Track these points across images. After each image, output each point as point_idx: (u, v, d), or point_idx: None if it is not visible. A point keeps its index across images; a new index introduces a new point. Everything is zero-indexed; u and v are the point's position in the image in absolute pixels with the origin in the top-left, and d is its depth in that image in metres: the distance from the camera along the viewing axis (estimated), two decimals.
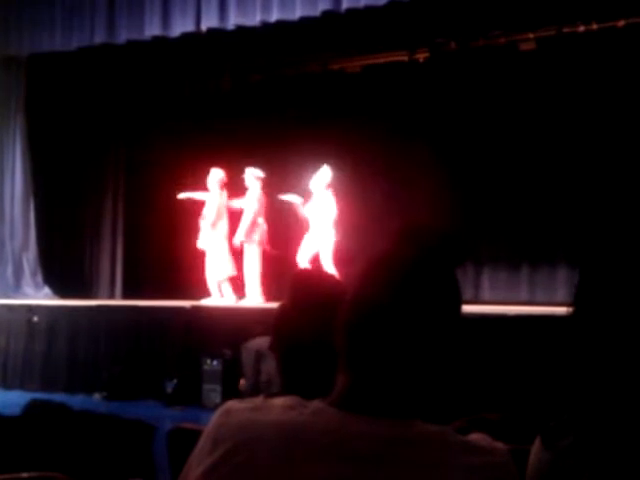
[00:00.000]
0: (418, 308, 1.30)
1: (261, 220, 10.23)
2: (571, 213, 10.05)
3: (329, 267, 9.58)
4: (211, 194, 10.33)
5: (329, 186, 9.95)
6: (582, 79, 10.00)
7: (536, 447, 1.42)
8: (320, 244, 9.90)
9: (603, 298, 1.37)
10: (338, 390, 1.33)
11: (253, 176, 10.21)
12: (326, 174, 9.93)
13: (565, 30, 9.98)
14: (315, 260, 9.90)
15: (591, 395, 1.34)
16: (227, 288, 10.27)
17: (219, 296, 10.25)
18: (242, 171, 10.31)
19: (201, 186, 10.48)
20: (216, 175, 10.32)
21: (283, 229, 10.58)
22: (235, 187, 10.39)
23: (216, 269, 10.25)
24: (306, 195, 10.13)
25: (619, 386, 1.32)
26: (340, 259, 9.80)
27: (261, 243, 10.22)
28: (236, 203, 10.34)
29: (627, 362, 1.32)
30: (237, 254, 10.30)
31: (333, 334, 1.36)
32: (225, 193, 10.36)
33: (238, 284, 10.30)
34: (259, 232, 10.18)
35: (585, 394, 1.35)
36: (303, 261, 9.87)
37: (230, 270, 10.25)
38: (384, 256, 1.36)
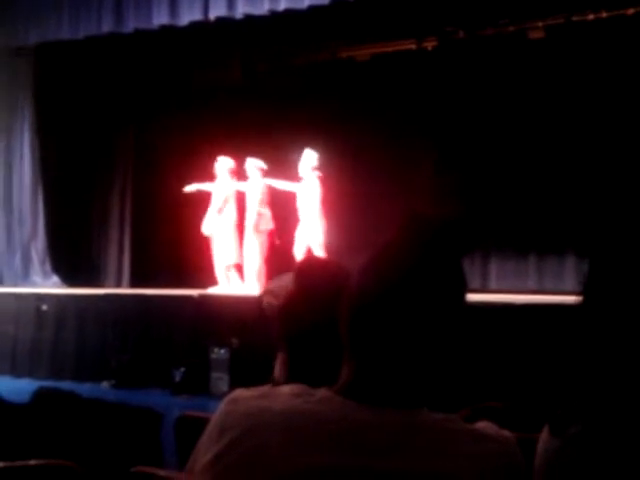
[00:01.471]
0: (423, 297, 1.30)
1: (265, 210, 10.22)
2: (580, 201, 10.01)
3: (320, 253, 9.60)
4: (219, 182, 10.36)
5: (315, 169, 9.94)
6: (591, 67, 9.95)
7: (544, 435, 1.42)
8: (311, 229, 9.88)
9: (613, 286, 1.37)
10: (343, 379, 1.33)
11: (255, 167, 10.23)
12: (311, 157, 9.93)
13: (574, 18, 9.94)
14: (310, 249, 9.90)
15: (601, 383, 1.34)
16: (234, 275, 10.29)
17: (226, 283, 10.28)
18: (252, 155, 10.34)
19: (210, 174, 10.50)
20: (225, 163, 10.34)
21: (284, 218, 10.53)
22: (244, 175, 10.42)
23: (222, 255, 10.28)
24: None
25: (629, 374, 1.32)
26: (341, 247, 9.83)
27: (268, 233, 10.23)
28: (242, 186, 10.37)
29: (637, 350, 1.32)
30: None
31: (338, 322, 1.36)
32: (234, 181, 10.38)
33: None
34: (264, 222, 10.18)
35: (595, 382, 1.35)
36: (299, 251, 9.85)
37: (236, 257, 10.27)
38: (389, 245, 1.36)
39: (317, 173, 9.93)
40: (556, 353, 5.48)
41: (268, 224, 10.23)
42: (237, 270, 10.33)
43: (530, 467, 1.39)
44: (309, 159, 9.92)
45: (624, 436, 1.28)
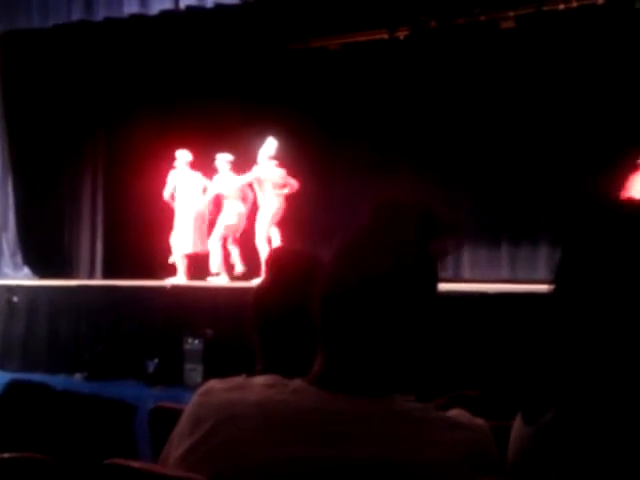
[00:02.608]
0: (393, 286, 1.30)
1: (233, 205, 10.19)
2: (552, 190, 10.09)
3: (262, 238, 9.65)
4: (180, 174, 10.35)
5: (272, 158, 9.94)
6: (562, 57, 10.01)
7: (517, 423, 1.43)
8: (266, 218, 9.87)
9: (584, 275, 1.37)
10: (316, 368, 1.33)
11: (224, 161, 10.23)
12: (271, 146, 9.93)
13: (545, 8, 9.98)
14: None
15: (573, 370, 1.35)
16: (182, 266, 10.29)
17: (181, 273, 10.28)
18: (222, 148, 10.30)
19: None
20: (183, 156, 10.34)
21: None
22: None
23: (179, 244, 10.28)
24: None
25: (600, 361, 1.33)
26: (308, 236, 9.88)
27: (233, 226, 10.23)
28: (213, 180, 10.35)
29: (608, 337, 1.33)
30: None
31: (311, 312, 1.36)
32: (195, 173, 10.37)
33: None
34: (227, 217, 10.17)
35: (567, 369, 1.36)
36: (260, 242, 9.84)
37: (192, 247, 10.28)
38: (360, 233, 1.36)
39: (274, 162, 9.94)
40: (529, 342, 5.52)
41: (231, 219, 10.18)
42: (193, 259, 10.36)
43: (503, 454, 1.40)
44: (269, 147, 9.93)
45: (597, 422, 1.29)
